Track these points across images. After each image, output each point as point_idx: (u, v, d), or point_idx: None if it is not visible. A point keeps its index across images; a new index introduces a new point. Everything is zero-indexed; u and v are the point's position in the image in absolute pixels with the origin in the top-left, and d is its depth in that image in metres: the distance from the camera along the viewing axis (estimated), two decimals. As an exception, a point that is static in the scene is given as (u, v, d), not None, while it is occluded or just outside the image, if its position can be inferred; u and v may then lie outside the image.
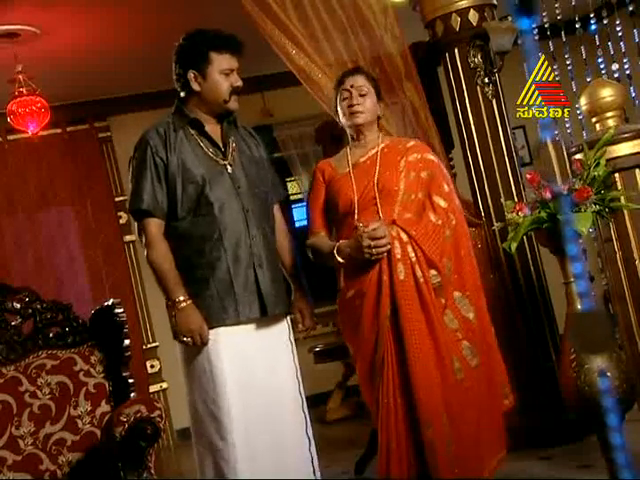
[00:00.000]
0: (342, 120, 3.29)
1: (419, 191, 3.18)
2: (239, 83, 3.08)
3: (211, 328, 2.94)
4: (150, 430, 2.66)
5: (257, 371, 3.00)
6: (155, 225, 3.02)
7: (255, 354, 3.01)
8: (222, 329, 2.97)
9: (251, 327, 3.03)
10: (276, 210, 3.26)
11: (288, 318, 3.17)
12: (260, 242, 3.03)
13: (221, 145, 3.09)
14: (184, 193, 3.00)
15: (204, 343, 2.93)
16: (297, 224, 7.81)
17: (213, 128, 3.11)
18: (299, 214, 7.82)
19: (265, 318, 3.03)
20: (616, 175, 3.68)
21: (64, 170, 6.90)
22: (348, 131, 3.32)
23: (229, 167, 3.05)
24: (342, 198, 3.20)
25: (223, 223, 2.99)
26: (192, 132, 3.07)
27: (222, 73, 3.04)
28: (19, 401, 2.88)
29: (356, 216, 3.16)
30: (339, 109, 3.28)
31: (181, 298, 2.95)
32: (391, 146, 3.27)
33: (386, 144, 3.27)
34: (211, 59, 3.03)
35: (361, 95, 3.23)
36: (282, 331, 3.12)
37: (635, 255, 3.74)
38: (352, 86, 3.23)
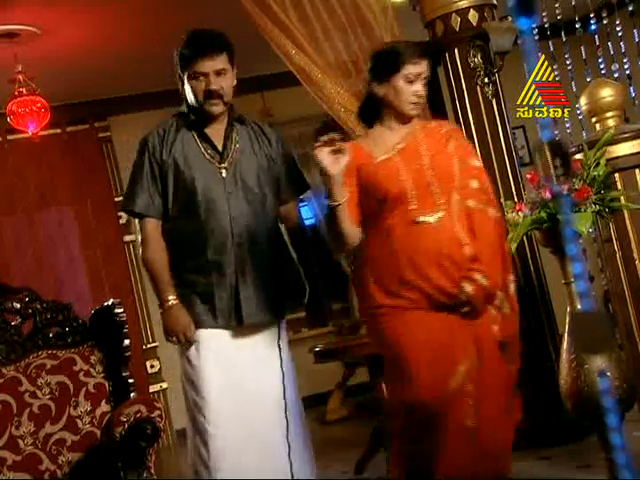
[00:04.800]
0: (395, 101, 2.92)
1: (470, 178, 2.96)
2: (211, 87, 2.99)
3: (197, 329, 3.01)
4: (150, 430, 2.66)
5: (238, 375, 3.01)
6: (151, 224, 3.07)
7: (237, 358, 3.03)
8: (204, 331, 3.02)
9: (235, 331, 3.05)
10: (290, 208, 3.26)
11: (283, 322, 3.16)
12: (247, 249, 3.02)
13: (220, 148, 3.07)
14: (175, 194, 3.03)
15: (190, 342, 3.00)
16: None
17: (216, 129, 3.08)
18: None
19: (250, 323, 3.03)
20: (616, 175, 3.68)
21: (64, 170, 6.90)
22: (390, 114, 2.97)
23: (224, 171, 3.04)
24: (392, 185, 2.86)
25: (209, 228, 3.01)
26: (192, 133, 3.07)
27: (194, 78, 3.01)
28: (19, 401, 2.88)
29: (413, 205, 2.86)
30: (399, 91, 2.91)
31: (169, 297, 3.01)
32: (430, 129, 3.05)
33: (422, 127, 3.04)
34: (187, 64, 3.01)
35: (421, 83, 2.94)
36: (270, 335, 3.10)
37: (635, 255, 3.74)
38: (419, 75, 2.91)
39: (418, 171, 2.90)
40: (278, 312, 3.12)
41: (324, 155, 2.70)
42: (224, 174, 3.04)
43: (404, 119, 2.96)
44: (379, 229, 2.90)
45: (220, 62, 3.00)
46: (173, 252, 3.07)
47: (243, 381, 3.02)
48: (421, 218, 2.84)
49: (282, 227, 3.23)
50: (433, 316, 2.83)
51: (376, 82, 2.94)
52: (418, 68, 2.89)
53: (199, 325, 3.03)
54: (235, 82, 3.10)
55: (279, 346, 3.10)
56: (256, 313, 3.04)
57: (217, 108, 3.03)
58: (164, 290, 3.03)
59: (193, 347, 3.03)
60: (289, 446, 3.02)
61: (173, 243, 3.08)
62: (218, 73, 3.00)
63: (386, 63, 2.92)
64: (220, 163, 3.05)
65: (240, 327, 3.04)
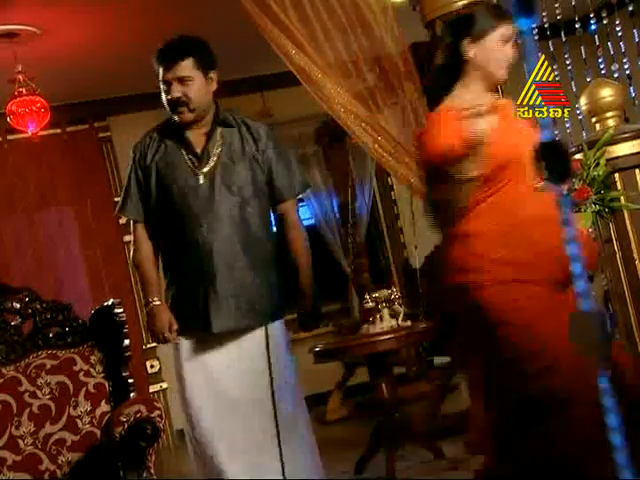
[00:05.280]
0: (487, 63, 2.75)
1: None
2: (173, 94, 3.00)
3: (179, 336, 3.12)
4: (150, 430, 2.66)
5: (222, 383, 3.04)
6: (140, 228, 3.19)
7: (217, 363, 3.06)
8: (187, 339, 3.10)
9: (217, 338, 3.06)
10: (285, 207, 3.18)
11: (274, 325, 3.10)
12: (221, 255, 3.01)
13: (200, 153, 3.06)
14: (157, 200, 3.10)
15: (173, 343, 3.10)
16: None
17: (198, 134, 3.09)
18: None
19: (220, 332, 3.05)
20: (616, 175, 3.68)
21: (64, 170, 6.90)
22: (477, 78, 2.79)
23: (201, 177, 3.03)
24: (506, 151, 2.67)
25: (184, 235, 3.04)
26: (175, 139, 3.09)
27: (162, 87, 3.05)
28: (19, 401, 2.87)
29: (530, 172, 2.51)
30: (494, 51, 2.75)
31: (150, 299, 3.11)
32: (507, 102, 2.91)
33: (498, 97, 2.92)
34: (157, 72, 3.05)
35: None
36: (254, 341, 3.07)
37: (635, 255, 3.74)
38: (511, 37, 2.76)
39: (522, 138, 2.65)
40: (257, 318, 3.07)
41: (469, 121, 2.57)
42: (201, 180, 3.04)
43: (491, 84, 2.80)
44: (491, 200, 2.64)
45: (182, 69, 2.99)
46: (162, 256, 3.18)
47: (227, 389, 3.05)
48: (540, 187, 2.59)
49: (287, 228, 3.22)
50: (556, 294, 2.60)
51: (467, 40, 2.73)
52: (512, 30, 2.75)
53: (180, 332, 3.09)
54: (212, 87, 3.07)
55: (268, 352, 3.05)
56: (226, 322, 3.02)
57: (183, 116, 3.03)
58: (148, 292, 3.14)
59: (177, 354, 3.10)
60: (280, 451, 2.99)
61: (160, 248, 3.17)
62: (181, 80, 2.99)
63: (483, 21, 2.75)
64: (199, 169, 3.05)
65: (222, 334, 3.04)
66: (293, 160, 3.22)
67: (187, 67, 2.99)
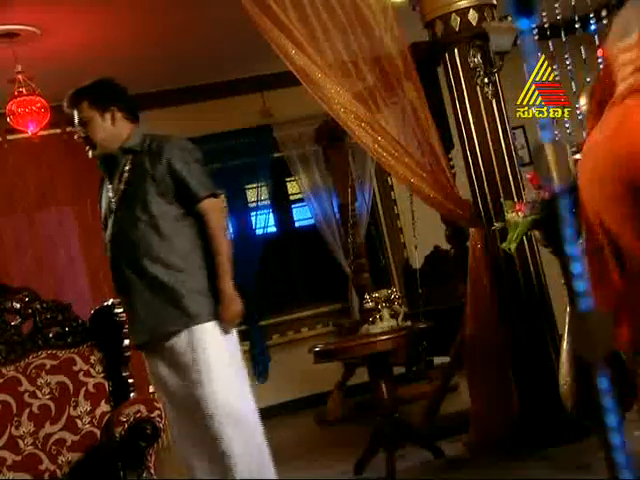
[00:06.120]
0: None
1: None
2: (78, 135, 3.34)
3: None
4: (150, 430, 2.66)
5: (166, 385, 3.24)
6: None
7: (162, 370, 3.22)
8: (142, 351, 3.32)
9: (153, 347, 3.21)
10: (201, 210, 3.20)
11: (200, 327, 3.14)
12: (131, 273, 3.19)
13: (112, 181, 3.33)
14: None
15: None
16: (297, 224, 7.81)
17: (113, 164, 3.34)
18: (299, 214, 7.82)
19: (157, 340, 3.18)
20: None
21: (64, 170, 6.89)
22: None
23: (114, 204, 3.29)
24: None
25: (110, 257, 3.31)
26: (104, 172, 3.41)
27: None
28: (19, 401, 2.88)
29: None
30: None
31: None
32: None
33: None
34: None
35: None
36: (176, 349, 3.15)
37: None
38: None
39: None
40: (177, 324, 3.14)
41: None
42: (114, 206, 3.28)
43: None
44: None
45: (78, 113, 3.30)
46: None
47: (171, 393, 3.24)
48: None
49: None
50: None
51: None
52: None
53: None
54: (116, 120, 3.31)
55: (198, 359, 3.12)
56: (143, 334, 3.19)
57: (91, 153, 3.37)
58: None
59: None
60: (228, 453, 3.11)
61: None
62: (81, 122, 3.29)
63: None
64: (113, 196, 3.30)
65: (153, 344, 3.19)
66: (200, 167, 3.27)
67: (82, 110, 3.29)
